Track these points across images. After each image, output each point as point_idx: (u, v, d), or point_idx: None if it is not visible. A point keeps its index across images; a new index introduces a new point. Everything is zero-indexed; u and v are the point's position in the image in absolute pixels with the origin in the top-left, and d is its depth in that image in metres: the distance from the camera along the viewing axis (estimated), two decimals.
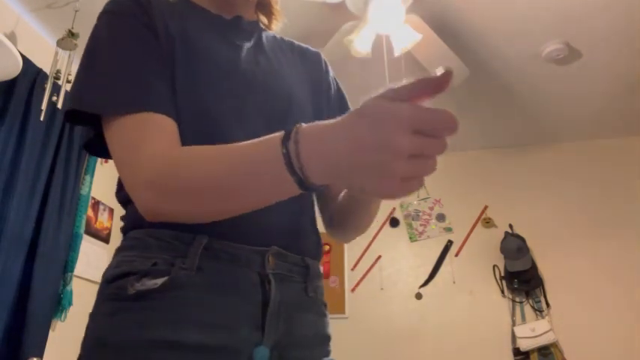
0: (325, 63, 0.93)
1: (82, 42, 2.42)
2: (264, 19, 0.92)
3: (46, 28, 2.65)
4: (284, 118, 0.76)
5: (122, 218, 0.73)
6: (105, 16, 0.71)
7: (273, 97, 0.77)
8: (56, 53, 2.36)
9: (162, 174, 0.59)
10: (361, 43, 2.26)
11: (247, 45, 0.81)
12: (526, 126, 3.52)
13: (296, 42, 0.93)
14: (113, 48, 0.68)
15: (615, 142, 3.58)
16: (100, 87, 0.65)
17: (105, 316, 0.63)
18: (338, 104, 0.91)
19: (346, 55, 2.45)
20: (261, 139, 0.54)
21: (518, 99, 3.20)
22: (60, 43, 2.32)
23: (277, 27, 0.93)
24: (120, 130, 0.64)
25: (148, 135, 0.62)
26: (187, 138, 0.66)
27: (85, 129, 0.72)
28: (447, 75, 0.44)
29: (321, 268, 0.80)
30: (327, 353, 0.77)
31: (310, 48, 0.94)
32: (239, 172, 0.55)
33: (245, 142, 0.55)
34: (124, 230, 0.71)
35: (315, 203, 0.85)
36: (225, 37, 0.78)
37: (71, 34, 2.28)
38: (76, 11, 2.32)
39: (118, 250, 0.69)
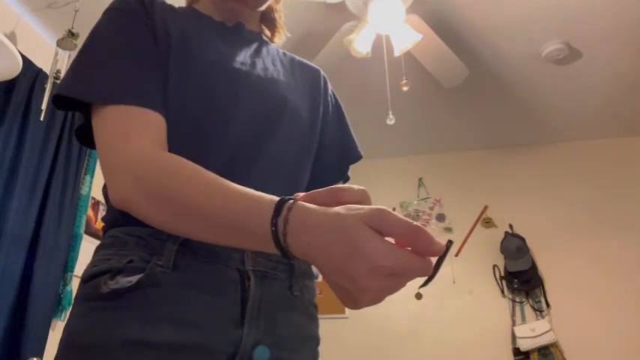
0: (324, 79, 0.93)
1: (82, 42, 2.42)
2: (267, 32, 0.94)
3: (46, 28, 2.65)
4: (275, 123, 0.76)
5: (103, 218, 0.72)
6: (109, 12, 0.72)
7: (264, 101, 0.76)
8: (56, 53, 2.36)
9: (145, 173, 0.58)
10: (361, 43, 2.26)
11: (246, 50, 0.81)
12: (526, 126, 3.52)
13: (297, 57, 0.94)
14: (111, 42, 0.68)
15: (615, 142, 3.58)
16: (93, 76, 0.66)
17: (78, 316, 0.62)
18: (335, 115, 0.92)
19: (346, 55, 2.45)
20: (255, 197, 0.52)
21: (518, 99, 3.20)
22: (60, 43, 2.32)
23: (280, 40, 0.95)
24: (108, 118, 0.63)
25: (137, 127, 0.62)
26: (173, 134, 0.66)
27: (78, 115, 0.72)
28: (441, 248, 0.44)
29: (314, 268, 0.78)
30: (314, 356, 0.75)
31: (311, 64, 0.95)
32: (224, 219, 0.53)
33: (238, 190, 0.53)
34: (104, 229, 0.71)
35: None
36: (224, 41, 0.79)
37: (71, 34, 2.28)
38: (76, 11, 2.32)
39: (97, 250, 0.69)
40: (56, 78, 2.35)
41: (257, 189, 0.53)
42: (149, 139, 0.62)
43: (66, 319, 2.66)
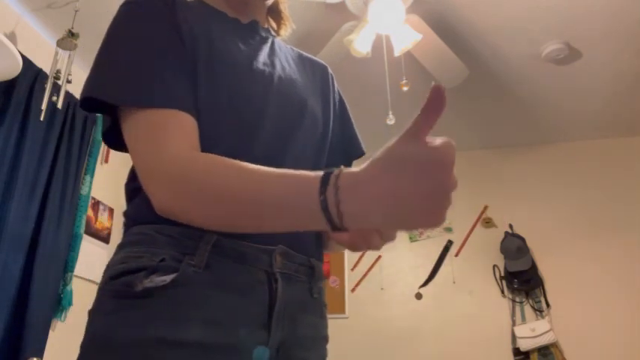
0: (332, 76, 0.95)
1: (82, 42, 2.42)
2: (273, 25, 0.94)
3: (46, 28, 2.65)
4: (297, 124, 0.77)
5: (125, 213, 0.71)
6: (129, 6, 0.70)
7: (288, 102, 0.77)
8: (56, 53, 2.36)
9: (186, 176, 0.59)
10: (361, 43, 2.26)
11: (264, 49, 0.82)
12: (526, 126, 3.52)
13: (303, 53, 0.95)
14: (137, 39, 0.67)
15: (615, 142, 3.58)
16: (122, 77, 0.64)
17: (109, 313, 0.62)
18: (340, 112, 0.93)
19: (346, 55, 2.45)
20: (296, 174, 0.53)
21: (518, 99, 3.20)
22: (60, 43, 2.32)
23: (286, 33, 0.95)
24: (140, 123, 0.63)
25: (170, 132, 0.62)
26: (205, 137, 0.66)
27: (104, 118, 0.71)
28: (440, 90, 0.47)
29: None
30: (325, 355, 0.77)
31: (318, 60, 0.95)
32: (271, 203, 0.54)
33: (278, 172, 0.55)
34: (128, 224, 0.70)
35: None
36: (243, 40, 0.79)
37: (71, 34, 2.28)
38: (76, 11, 2.32)
39: (122, 246, 0.68)
40: (56, 78, 2.35)
41: None
42: (183, 141, 0.62)
43: (66, 319, 2.66)
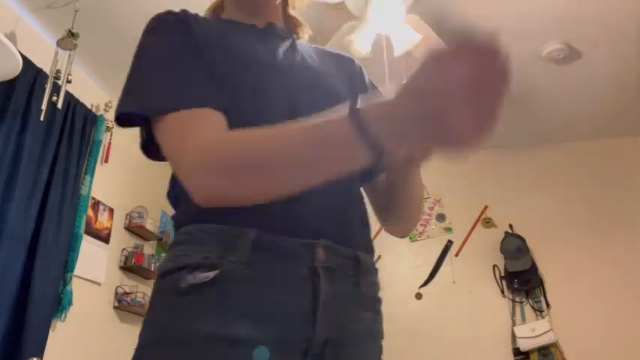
0: (360, 68, 0.96)
1: (82, 42, 2.42)
2: (296, 30, 0.96)
3: (46, 28, 2.65)
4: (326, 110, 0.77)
5: (173, 217, 0.75)
6: (150, 31, 0.74)
7: (321, 94, 0.78)
8: (56, 53, 2.37)
9: (218, 156, 0.60)
10: (361, 43, 2.26)
11: (283, 46, 0.84)
12: (526, 126, 3.52)
13: (328, 48, 0.96)
14: (157, 53, 0.71)
15: (615, 142, 3.58)
16: (147, 90, 0.68)
17: (159, 310, 0.65)
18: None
19: None
20: (324, 117, 0.56)
21: (518, 99, 3.20)
22: (60, 43, 2.32)
23: (306, 36, 0.97)
24: (169, 126, 0.65)
25: (198, 125, 0.64)
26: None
27: (141, 131, 0.74)
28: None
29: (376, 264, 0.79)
30: (380, 351, 0.77)
31: (344, 53, 0.97)
32: (308, 147, 0.56)
33: (309, 120, 0.57)
34: (176, 227, 0.73)
35: (368, 202, 0.86)
36: (262, 41, 0.81)
37: (71, 34, 2.28)
38: (76, 11, 2.32)
39: (171, 246, 0.70)
40: (56, 78, 2.35)
41: None
42: (211, 129, 0.64)
43: (66, 319, 2.66)
